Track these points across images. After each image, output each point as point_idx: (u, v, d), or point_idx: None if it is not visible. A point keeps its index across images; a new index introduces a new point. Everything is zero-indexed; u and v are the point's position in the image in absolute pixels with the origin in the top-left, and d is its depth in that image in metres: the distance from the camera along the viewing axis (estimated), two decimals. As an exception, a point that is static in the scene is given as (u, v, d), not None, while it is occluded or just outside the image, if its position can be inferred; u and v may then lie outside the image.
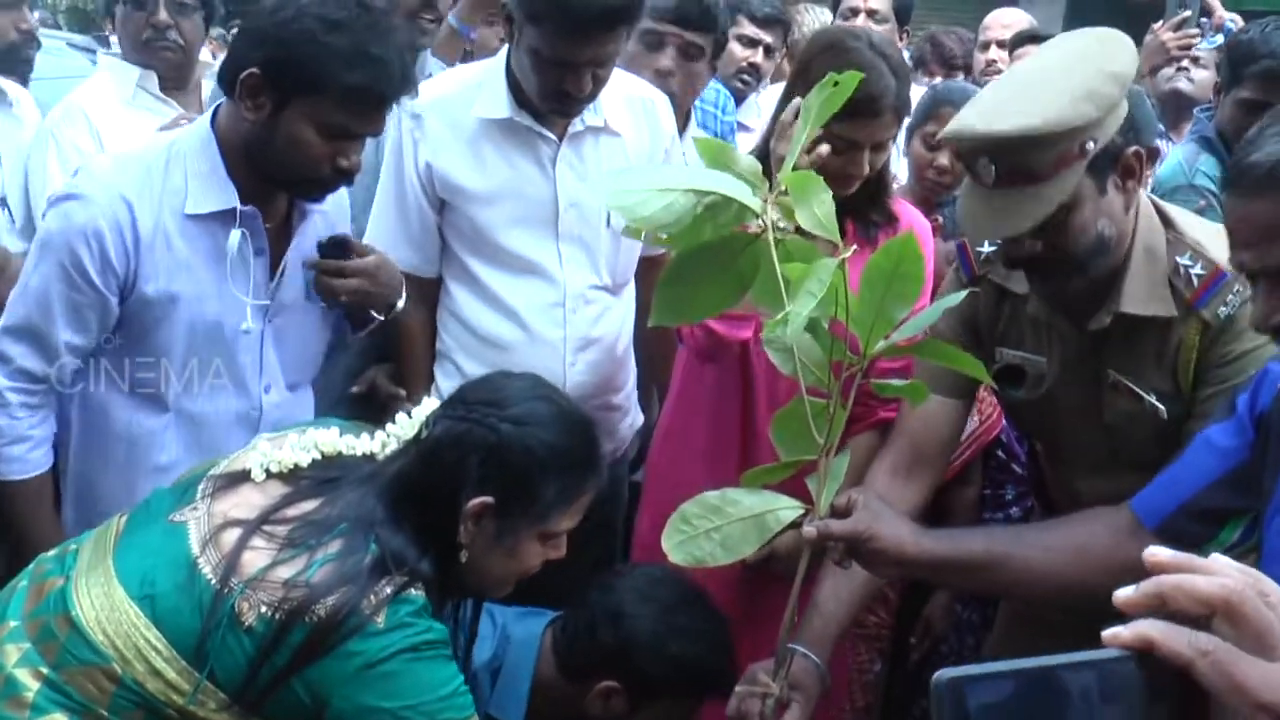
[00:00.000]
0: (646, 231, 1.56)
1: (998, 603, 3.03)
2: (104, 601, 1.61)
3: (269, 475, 1.70)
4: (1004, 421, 2.93)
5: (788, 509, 1.68)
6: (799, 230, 1.56)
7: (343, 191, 2.34)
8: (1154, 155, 2.02)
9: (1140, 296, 1.96)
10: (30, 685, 1.59)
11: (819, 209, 1.57)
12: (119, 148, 2.79)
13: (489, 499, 1.67)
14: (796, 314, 1.47)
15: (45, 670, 1.60)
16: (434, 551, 1.67)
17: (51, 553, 1.78)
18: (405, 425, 1.75)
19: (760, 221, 1.55)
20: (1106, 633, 0.81)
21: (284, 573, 1.58)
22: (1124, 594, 0.83)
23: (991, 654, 2.69)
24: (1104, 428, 2.09)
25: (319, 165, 2.09)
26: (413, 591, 1.60)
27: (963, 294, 1.86)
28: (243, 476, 1.70)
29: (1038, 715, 0.83)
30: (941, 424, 2.18)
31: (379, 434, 1.76)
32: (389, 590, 1.58)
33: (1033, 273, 2.01)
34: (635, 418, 2.94)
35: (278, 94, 2.05)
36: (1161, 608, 0.83)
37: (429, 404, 1.78)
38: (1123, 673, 0.83)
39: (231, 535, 1.62)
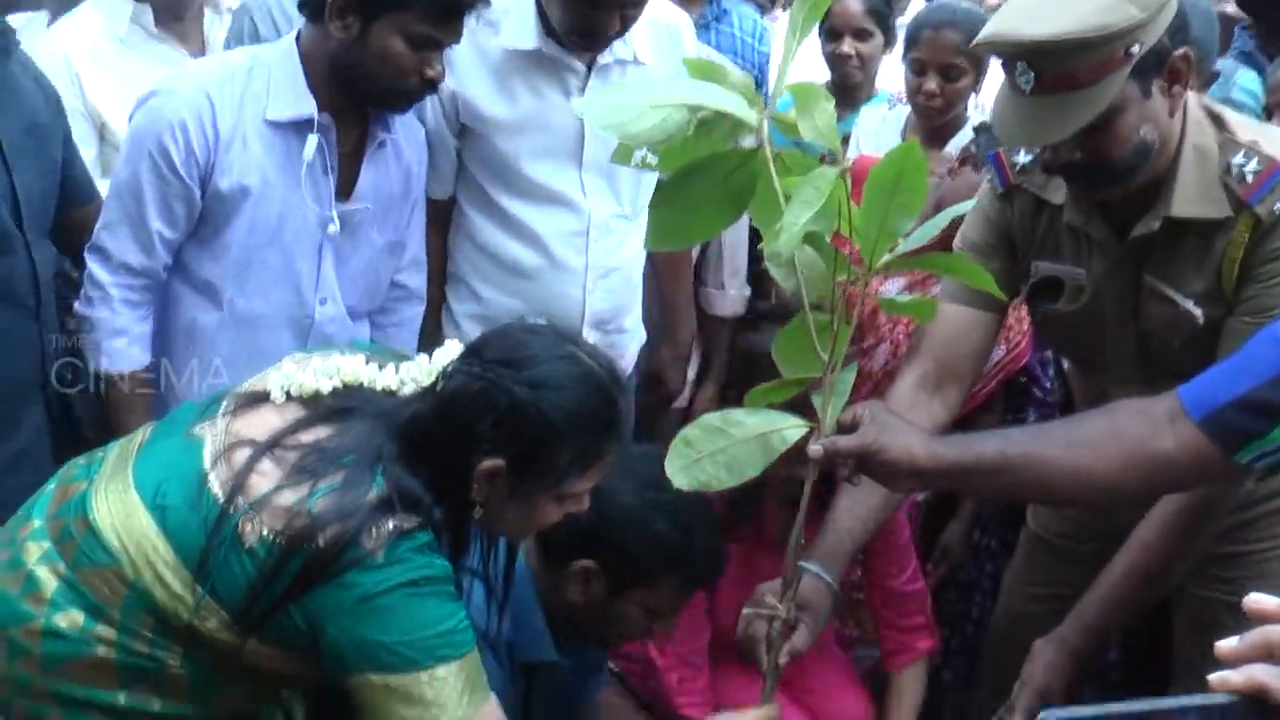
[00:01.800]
0: (637, 151, 1.53)
1: (1018, 529, 3.01)
2: (120, 507, 1.62)
3: (289, 398, 1.69)
4: (1030, 351, 2.90)
5: (792, 428, 1.64)
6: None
7: (417, 124, 2.50)
8: (1211, 79, 1.96)
9: (1191, 199, 1.91)
10: (49, 583, 1.61)
11: (820, 119, 1.54)
12: (103, 98, 2.81)
13: (501, 462, 1.64)
14: (792, 224, 1.44)
15: (63, 569, 1.62)
16: (447, 503, 1.65)
17: (82, 458, 1.80)
18: (422, 369, 1.72)
19: (755, 137, 1.51)
20: (1214, 677, 0.80)
21: (288, 498, 1.57)
22: (1227, 645, 0.82)
23: (1011, 582, 2.67)
24: (1140, 335, 2.05)
25: (407, 76, 2.24)
26: (416, 530, 1.59)
27: (968, 204, 1.81)
28: (263, 397, 1.70)
29: None
30: (972, 336, 2.13)
31: (403, 367, 1.73)
32: (391, 526, 1.57)
33: (1073, 181, 1.95)
34: (642, 337, 2.94)
35: (365, 11, 2.19)
36: (1268, 659, 0.81)
37: (450, 348, 1.74)
38: (1231, 717, 0.82)
39: (242, 454, 1.62)
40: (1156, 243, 1.96)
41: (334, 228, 2.37)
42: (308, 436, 1.64)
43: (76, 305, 2.38)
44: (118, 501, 1.63)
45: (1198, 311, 1.94)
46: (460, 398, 1.64)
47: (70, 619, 1.60)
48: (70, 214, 2.47)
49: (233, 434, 1.65)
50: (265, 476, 1.60)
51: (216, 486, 1.60)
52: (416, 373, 1.71)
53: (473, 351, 1.70)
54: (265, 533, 1.56)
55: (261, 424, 1.66)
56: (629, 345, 2.85)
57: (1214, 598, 2.15)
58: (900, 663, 2.59)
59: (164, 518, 1.60)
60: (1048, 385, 2.95)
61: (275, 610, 1.57)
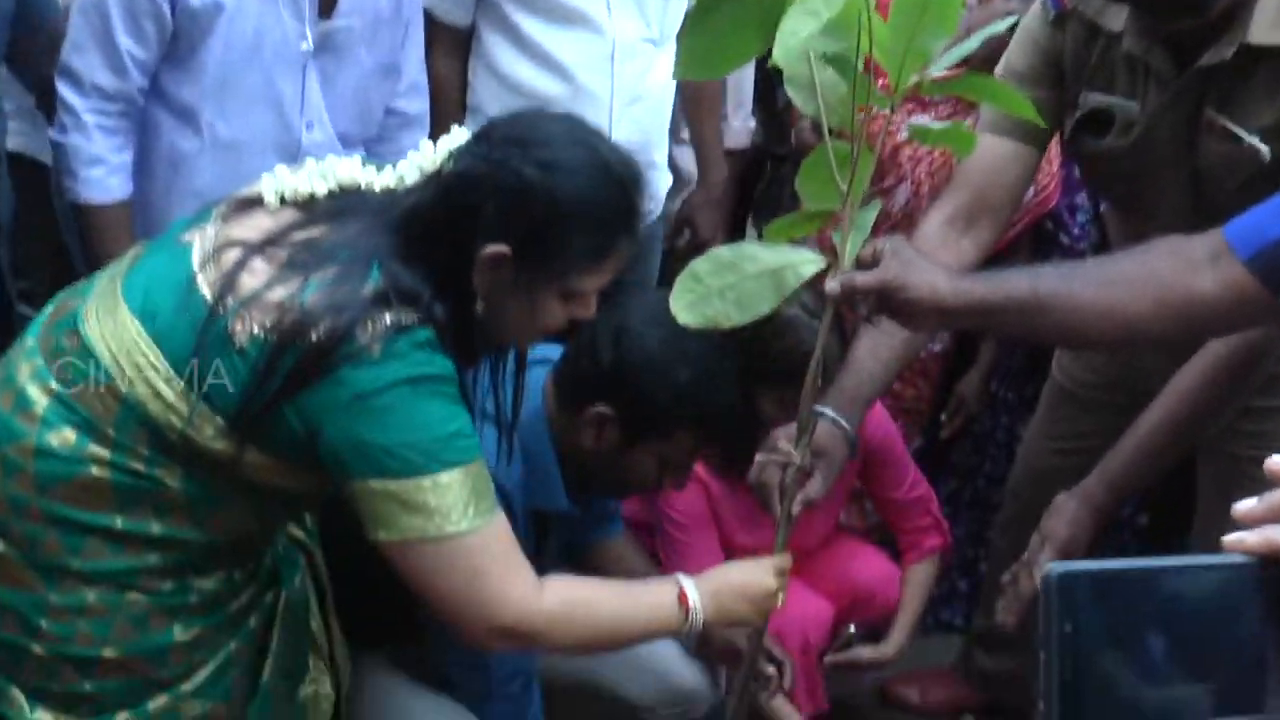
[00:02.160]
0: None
1: (1036, 382, 2.92)
2: (109, 318, 1.55)
3: (283, 202, 1.60)
4: (1058, 193, 2.80)
5: (808, 263, 1.54)
6: None
7: None
8: None
9: (1273, 24, 1.78)
10: (39, 400, 1.55)
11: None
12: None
13: (505, 248, 1.54)
14: (791, 34, 1.31)
15: (54, 386, 1.55)
16: (447, 297, 1.55)
17: (82, 281, 1.73)
18: (428, 155, 1.61)
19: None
20: (1229, 539, 0.78)
21: (278, 293, 1.49)
22: (1245, 506, 0.79)
23: (1032, 435, 2.60)
24: (1194, 174, 1.93)
25: None
26: (416, 326, 1.50)
27: (1000, 25, 1.66)
28: (256, 202, 1.61)
29: (1151, 616, 0.79)
30: (1010, 170, 2.01)
31: (401, 163, 1.64)
32: (388, 320, 1.48)
33: (1144, 7, 1.83)
34: (669, 178, 2.87)
35: None
36: None
37: (457, 134, 1.63)
38: (1245, 579, 0.79)
39: (232, 255, 1.53)
40: (1224, 73, 1.83)
41: (307, 45, 2.26)
42: (301, 235, 1.55)
43: (51, 133, 2.29)
44: (107, 314, 1.56)
45: (1264, 148, 1.82)
46: (465, 178, 1.54)
47: (62, 437, 1.53)
48: (25, 36, 2.38)
49: (223, 237, 1.56)
50: (255, 275, 1.51)
51: (205, 288, 1.52)
52: (420, 160, 1.61)
53: (482, 135, 1.60)
54: (255, 330, 1.47)
55: (255, 226, 1.57)
56: (657, 182, 2.75)
57: (1243, 454, 2.07)
58: (911, 559, 2.56)
59: (153, 324, 1.53)
60: (1076, 233, 2.84)
61: (269, 412, 1.49)
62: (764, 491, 1.82)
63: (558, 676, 2.20)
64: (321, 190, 1.60)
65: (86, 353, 1.54)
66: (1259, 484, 0.80)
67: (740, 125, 3.20)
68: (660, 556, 2.41)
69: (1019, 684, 2.85)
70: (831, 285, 1.53)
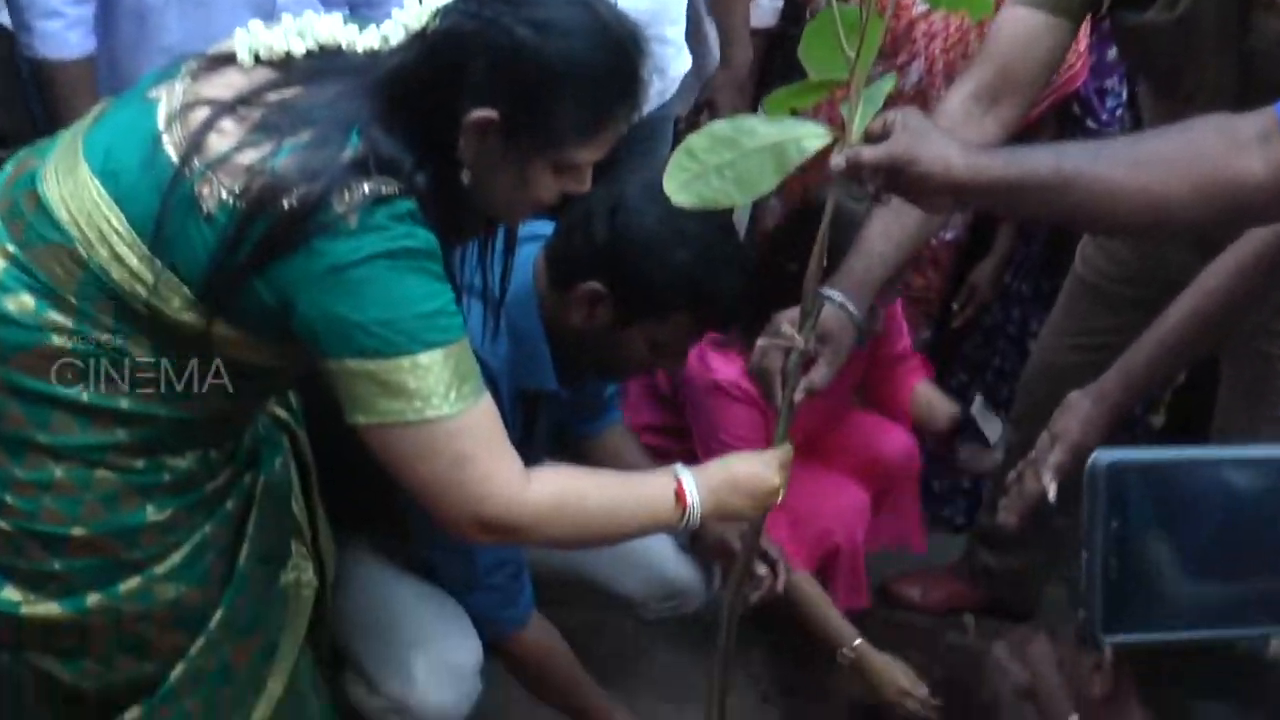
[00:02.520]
0: None
1: (1053, 275, 2.82)
2: (69, 178, 1.46)
3: (257, 61, 1.49)
4: (1085, 73, 2.66)
5: (812, 136, 1.43)
6: None
7: None
8: None
9: None
10: None
11: None
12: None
13: (493, 113, 1.44)
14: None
15: (11, 248, 1.47)
16: (432, 166, 1.46)
17: (44, 139, 1.63)
18: (413, 13, 1.49)
19: None
20: None
21: (248, 156, 1.39)
22: None
23: (1050, 329, 2.52)
24: (1242, 55, 1.82)
25: None
26: (397, 196, 1.41)
27: None
28: (229, 59, 1.50)
29: (1199, 507, 0.77)
30: (1042, 43, 1.88)
31: (386, 23, 1.52)
32: (367, 189, 1.38)
33: None
34: (687, 57, 2.73)
35: None
36: None
37: None
38: None
39: (201, 114, 1.43)
40: None
41: None
42: (274, 96, 1.45)
43: None
44: (67, 174, 1.46)
45: None
46: (451, 38, 1.43)
47: (20, 303, 1.45)
48: None
49: (192, 94, 1.46)
50: (225, 136, 1.41)
51: (170, 147, 1.42)
52: (405, 19, 1.49)
53: None
54: (224, 195, 1.38)
55: (225, 85, 1.47)
56: (672, 59, 2.62)
57: (1276, 352, 1.96)
58: (910, 384, 2.53)
59: (115, 184, 1.43)
60: (1105, 118, 2.70)
61: (239, 283, 1.40)
62: (765, 378, 1.73)
63: (547, 568, 2.14)
64: (299, 49, 1.49)
65: (45, 214, 1.45)
66: None
67: (768, 3, 3.06)
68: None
69: (1022, 582, 2.81)
70: (836, 160, 1.42)
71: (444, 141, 1.45)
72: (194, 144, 1.40)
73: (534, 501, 1.49)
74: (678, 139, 2.75)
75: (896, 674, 2.32)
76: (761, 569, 2.12)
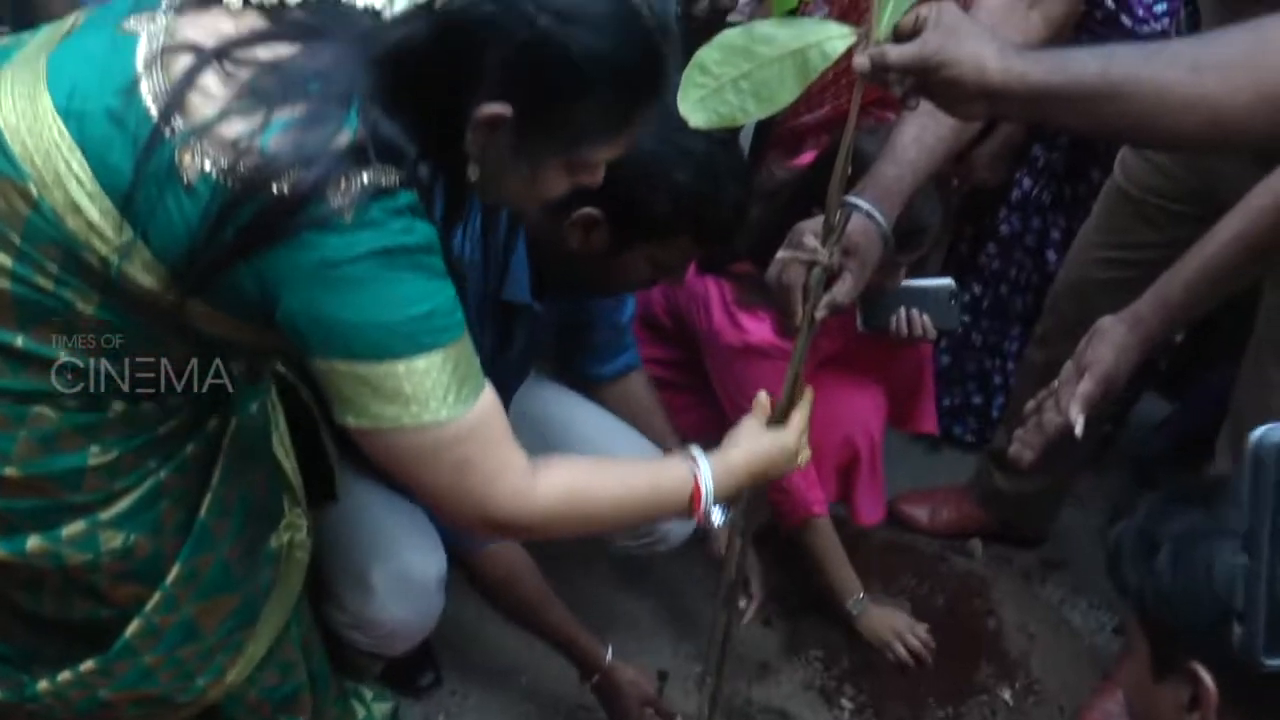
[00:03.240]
0: None
1: (1076, 184, 2.68)
2: (27, 106, 1.30)
3: (246, 4, 1.33)
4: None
5: (835, 38, 1.31)
6: None
7: None
8: None
9: None
10: None
11: None
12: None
13: (507, 109, 1.31)
14: None
15: None
16: (435, 156, 1.34)
17: (7, 39, 1.47)
18: None
19: None
20: None
21: (236, 127, 1.24)
22: None
23: (1083, 240, 2.39)
24: None
25: None
26: (397, 188, 1.28)
27: None
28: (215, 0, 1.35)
29: None
30: None
31: None
32: (365, 180, 1.25)
33: None
34: None
35: None
36: None
37: None
38: None
39: (183, 62, 1.28)
40: None
41: None
42: (265, 52, 1.29)
43: None
44: (26, 100, 1.31)
45: None
46: (466, 20, 1.28)
47: None
48: None
49: (173, 34, 1.31)
50: (209, 96, 1.26)
51: (149, 97, 1.27)
52: None
53: None
54: (207, 167, 1.24)
55: (212, 30, 1.31)
56: None
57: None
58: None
59: (80, 127, 1.28)
60: (1140, 13, 2.45)
61: (218, 268, 1.27)
62: (784, 294, 1.63)
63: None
64: None
65: None
66: None
67: None
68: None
69: (1035, 508, 2.72)
70: (860, 60, 1.30)
71: (450, 131, 1.33)
72: (175, 98, 1.25)
73: (542, 502, 1.41)
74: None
75: (897, 622, 2.42)
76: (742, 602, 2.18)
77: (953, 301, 2.20)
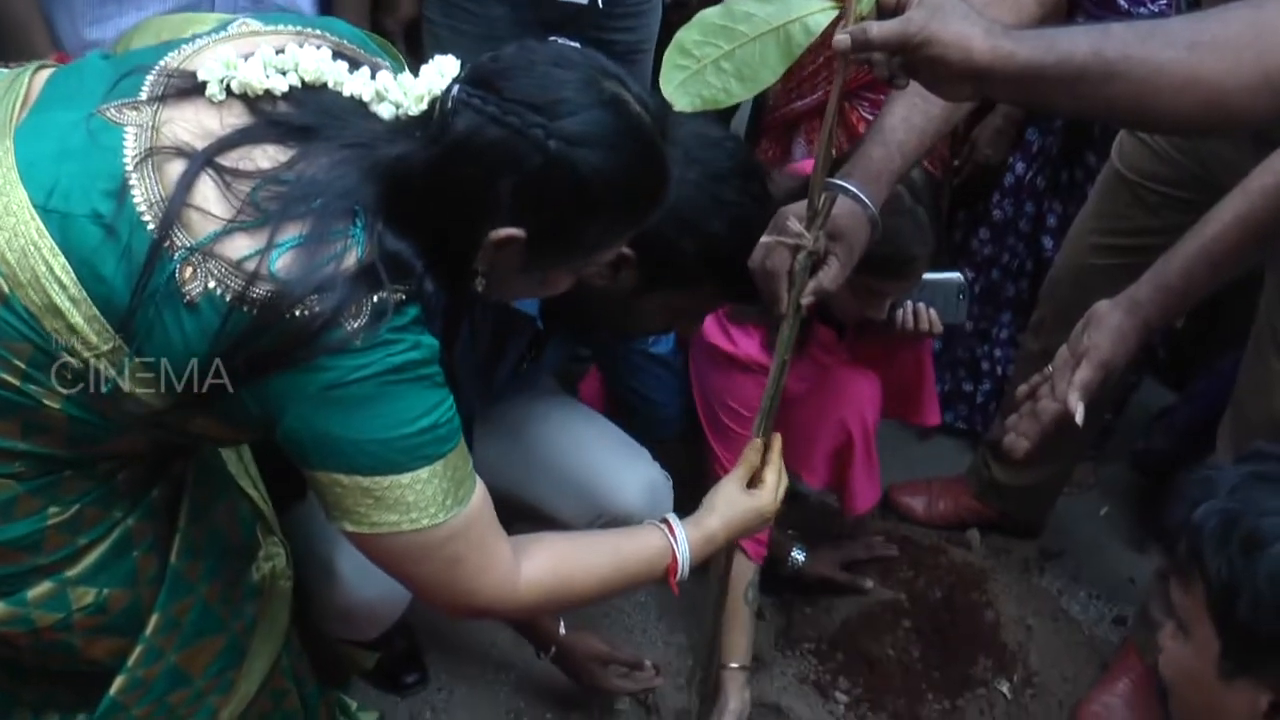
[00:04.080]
0: None
1: (1072, 168, 2.62)
2: None
3: (229, 94, 1.30)
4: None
5: (819, 12, 1.28)
6: None
7: None
8: None
9: None
10: None
11: None
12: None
13: (519, 232, 1.29)
14: None
15: None
16: (443, 272, 1.32)
17: None
18: (409, 90, 1.31)
19: None
20: None
21: (240, 246, 1.20)
22: None
23: (1079, 225, 2.35)
24: None
25: None
26: (404, 304, 1.27)
27: None
28: (198, 89, 1.30)
29: None
30: None
31: (381, 76, 1.33)
32: (376, 301, 1.23)
33: None
34: None
35: None
36: None
37: (442, 64, 1.32)
38: None
39: (177, 166, 1.23)
40: None
41: None
42: (261, 157, 1.25)
43: None
44: None
45: None
46: (474, 146, 1.26)
47: None
48: None
49: (161, 130, 1.26)
50: (208, 207, 1.21)
51: (143, 205, 1.21)
52: (398, 95, 1.31)
53: (483, 81, 1.28)
54: (212, 286, 1.20)
55: (198, 125, 1.27)
56: None
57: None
58: None
59: (64, 231, 1.21)
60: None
61: (223, 390, 1.24)
62: (769, 280, 1.58)
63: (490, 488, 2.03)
64: (280, 88, 1.30)
65: None
66: None
67: None
68: (709, 439, 2.27)
69: (1033, 499, 2.68)
70: (840, 38, 1.25)
71: (458, 250, 1.31)
72: (173, 210, 1.20)
73: (525, 591, 1.45)
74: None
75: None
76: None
77: (961, 296, 2.16)
